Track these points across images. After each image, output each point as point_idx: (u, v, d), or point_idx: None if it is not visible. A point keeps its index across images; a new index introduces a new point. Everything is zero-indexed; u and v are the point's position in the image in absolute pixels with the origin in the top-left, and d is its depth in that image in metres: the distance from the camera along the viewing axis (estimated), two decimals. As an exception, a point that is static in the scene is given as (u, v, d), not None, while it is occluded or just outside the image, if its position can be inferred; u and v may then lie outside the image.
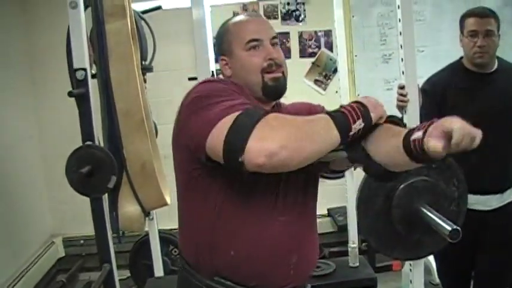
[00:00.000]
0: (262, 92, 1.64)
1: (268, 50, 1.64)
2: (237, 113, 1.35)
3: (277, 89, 1.65)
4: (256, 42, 1.64)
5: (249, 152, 1.29)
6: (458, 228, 1.83)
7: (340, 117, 1.40)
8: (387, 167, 1.48)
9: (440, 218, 1.93)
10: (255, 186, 1.54)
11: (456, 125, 1.24)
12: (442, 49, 4.73)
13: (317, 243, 1.77)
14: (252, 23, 1.70)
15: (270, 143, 1.29)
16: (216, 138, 1.36)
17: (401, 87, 2.39)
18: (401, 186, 2.04)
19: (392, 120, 1.57)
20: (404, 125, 1.61)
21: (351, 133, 1.41)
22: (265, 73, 1.63)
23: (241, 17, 1.74)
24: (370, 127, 1.48)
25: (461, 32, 2.80)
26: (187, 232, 1.69)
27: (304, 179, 1.65)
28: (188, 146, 1.49)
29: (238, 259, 1.57)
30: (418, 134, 1.31)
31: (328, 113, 1.42)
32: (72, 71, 2.13)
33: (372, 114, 1.46)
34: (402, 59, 2.35)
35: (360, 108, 1.44)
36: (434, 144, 1.23)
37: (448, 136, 1.23)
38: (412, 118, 2.36)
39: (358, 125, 1.42)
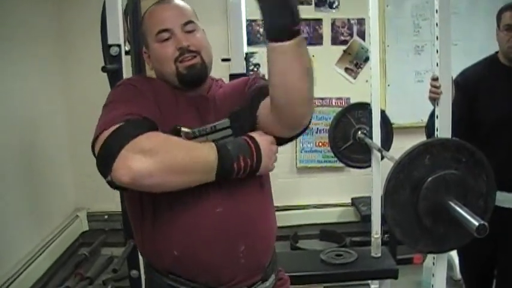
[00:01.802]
0: (178, 82, 1.62)
1: (178, 39, 1.60)
2: (112, 128, 1.36)
3: (192, 76, 1.61)
4: (167, 33, 1.61)
5: (115, 170, 1.31)
6: (485, 223, 1.81)
7: (226, 158, 1.43)
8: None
9: (467, 213, 1.91)
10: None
11: None
12: (475, 44, 4.67)
13: (271, 231, 1.71)
14: (161, 11, 1.66)
15: (137, 167, 1.30)
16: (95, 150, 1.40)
17: (435, 79, 2.36)
18: (430, 178, 2.02)
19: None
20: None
21: (233, 175, 1.46)
22: (178, 62, 1.60)
23: (153, 7, 1.69)
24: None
25: (498, 26, 2.76)
26: (135, 235, 1.69)
27: None
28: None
29: (183, 258, 1.55)
30: None
31: (217, 145, 1.45)
32: (106, 47, 2.14)
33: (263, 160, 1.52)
34: (437, 51, 2.31)
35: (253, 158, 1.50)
36: None
37: None
38: (444, 110, 2.33)
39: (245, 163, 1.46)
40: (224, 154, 1.43)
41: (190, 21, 1.64)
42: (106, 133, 1.37)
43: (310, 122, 1.56)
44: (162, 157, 1.32)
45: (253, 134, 1.53)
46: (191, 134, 1.49)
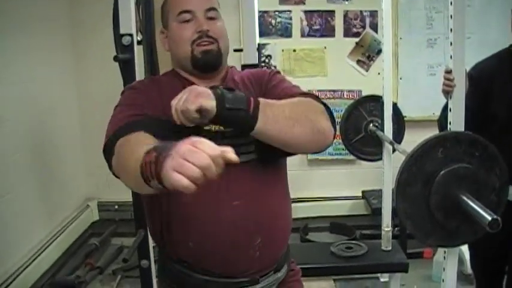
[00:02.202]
0: (191, 65, 1.61)
1: (199, 22, 1.59)
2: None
3: (206, 62, 1.60)
4: (188, 14, 1.60)
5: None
6: (498, 218, 1.80)
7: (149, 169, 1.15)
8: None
9: (480, 207, 1.89)
10: None
11: None
12: (489, 38, 4.64)
13: (286, 223, 1.71)
14: None
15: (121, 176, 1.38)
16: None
17: (449, 72, 2.34)
18: (442, 172, 2.00)
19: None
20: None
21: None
22: (195, 45, 1.59)
23: None
24: None
25: (512, 19, 2.74)
26: (150, 224, 1.71)
27: (255, 166, 1.58)
28: None
29: (197, 250, 1.56)
30: None
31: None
32: (118, 37, 2.13)
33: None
34: (451, 43, 2.29)
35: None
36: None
37: None
38: (457, 103, 2.31)
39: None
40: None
41: (213, 8, 1.64)
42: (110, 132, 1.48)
43: (334, 135, 1.58)
44: (126, 174, 1.33)
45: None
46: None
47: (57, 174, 4.46)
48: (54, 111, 4.45)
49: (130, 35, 2.09)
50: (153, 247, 2.23)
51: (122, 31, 2.10)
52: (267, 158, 1.59)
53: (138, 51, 2.21)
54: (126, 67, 2.09)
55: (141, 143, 1.27)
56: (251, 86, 1.67)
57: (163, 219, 1.58)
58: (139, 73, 2.16)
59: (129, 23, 2.10)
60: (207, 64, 1.61)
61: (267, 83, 1.67)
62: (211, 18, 1.62)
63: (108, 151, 1.44)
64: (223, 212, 1.53)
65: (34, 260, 3.83)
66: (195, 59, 1.59)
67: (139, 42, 2.31)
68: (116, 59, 2.03)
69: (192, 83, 1.58)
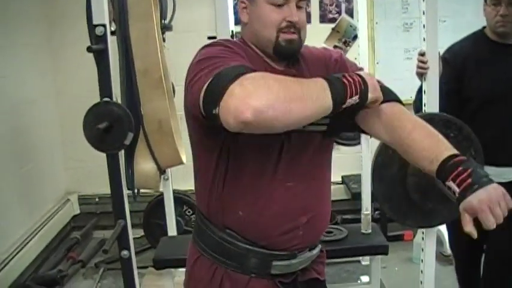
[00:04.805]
0: (273, 50, 1.60)
1: (291, 11, 1.57)
2: (220, 69, 1.34)
3: (289, 51, 1.60)
4: (282, 0, 1.57)
5: (232, 109, 1.25)
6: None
7: (338, 87, 1.38)
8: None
9: (455, 187, 1.92)
10: (256, 153, 1.55)
11: (488, 223, 1.30)
12: (463, 21, 4.67)
13: (329, 207, 1.79)
14: None
15: (256, 101, 1.24)
16: (201, 91, 1.36)
17: (422, 54, 2.37)
18: (418, 153, 2.02)
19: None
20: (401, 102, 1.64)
21: (344, 106, 1.40)
22: (281, 32, 1.58)
23: None
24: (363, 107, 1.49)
25: (485, 0, 2.75)
26: (200, 188, 1.73)
27: (313, 148, 1.65)
28: (193, 106, 1.47)
29: (245, 219, 1.61)
30: (453, 187, 1.35)
31: (328, 79, 1.39)
32: (91, 27, 2.12)
33: (370, 95, 1.46)
34: (424, 26, 2.31)
35: (361, 84, 1.43)
36: (469, 230, 1.33)
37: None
38: (431, 85, 2.34)
39: (354, 100, 1.41)
40: (334, 80, 1.40)
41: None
42: (214, 73, 1.34)
43: None
44: (277, 89, 1.28)
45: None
46: None
47: (36, 168, 4.42)
48: (32, 106, 4.41)
49: (104, 25, 2.07)
50: (133, 238, 2.23)
51: (94, 21, 2.08)
52: (334, 131, 1.68)
53: (112, 42, 2.20)
54: (100, 58, 2.07)
55: None
56: (313, 68, 1.69)
57: (219, 184, 1.61)
58: (114, 64, 2.15)
59: (102, 13, 2.08)
60: (289, 53, 1.61)
61: (335, 64, 1.71)
62: (300, 8, 1.61)
63: (226, 81, 1.29)
64: (277, 191, 1.60)
65: (15, 255, 3.80)
66: (279, 46, 1.58)
67: (113, 33, 2.30)
68: (89, 49, 2.02)
69: (267, 63, 1.62)
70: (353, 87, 1.40)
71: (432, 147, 1.45)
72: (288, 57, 1.65)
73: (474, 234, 1.29)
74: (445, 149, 1.41)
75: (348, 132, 1.59)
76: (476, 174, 1.33)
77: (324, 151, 1.72)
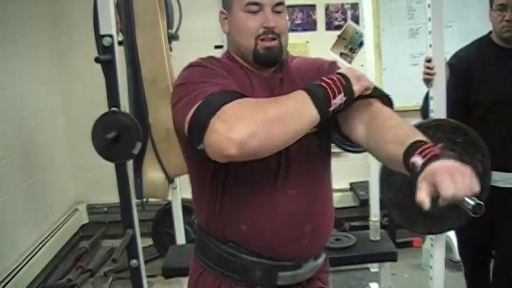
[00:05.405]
0: (253, 59, 1.59)
1: (266, 17, 1.56)
2: (199, 102, 1.34)
3: (268, 58, 1.59)
4: (256, 7, 1.56)
5: (216, 145, 1.28)
6: (481, 202, 1.80)
7: (318, 93, 1.36)
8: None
9: (463, 193, 1.91)
10: (253, 164, 1.46)
11: (445, 191, 1.13)
12: (469, 26, 4.67)
13: (332, 212, 1.78)
14: None
15: (237, 134, 1.25)
16: (185, 123, 1.37)
17: (428, 60, 2.37)
18: (426, 159, 2.02)
19: (379, 95, 1.55)
20: (390, 101, 1.59)
21: (331, 109, 1.38)
22: (259, 40, 1.57)
23: None
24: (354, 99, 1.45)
25: (490, 5, 2.75)
26: (198, 203, 1.71)
27: (311, 152, 1.64)
28: (179, 131, 1.47)
29: (249, 232, 1.58)
30: (417, 161, 1.21)
31: (306, 89, 1.38)
32: (98, 37, 2.13)
33: (355, 87, 1.42)
34: (430, 32, 2.32)
35: (341, 81, 1.40)
36: (422, 199, 1.15)
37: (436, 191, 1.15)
38: (438, 91, 2.34)
39: (340, 99, 1.39)
40: (313, 88, 1.39)
41: (281, 3, 1.61)
42: (194, 107, 1.35)
43: None
44: (255, 117, 1.28)
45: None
46: None
47: (45, 178, 4.43)
48: (39, 116, 4.43)
49: (111, 36, 2.09)
50: (142, 247, 2.24)
51: (102, 32, 2.10)
52: (323, 135, 1.65)
53: (120, 52, 2.21)
54: (108, 68, 2.09)
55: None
56: (306, 75, 1.67)
57: (217, 199, 1.59)
58: (121, 74, 2.16)
59: (109, 24, 2.09)
60: (269, 60, 1.60)
61: (328, 69, 1.67)
62: (278, 13, 1.60)
63: (206, 117, 1.31)
64: (279, 200, 1.58)
65: (25, 264, 3.82)
66: (258, 54, 1.58)
67: (120, 43, 2.31)
68: (97, 60, 2.03)
69: (252, 72, 1.62)
70: (334, 87, 1.38)
71: (405, 133, 1.35)
72: (269, 65, 1.62)
73: (426, 203, 1.13)
74: (418, 136, 1.31)
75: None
76: (445, 153, 1.23)
77: (322, 155, 1.72)
